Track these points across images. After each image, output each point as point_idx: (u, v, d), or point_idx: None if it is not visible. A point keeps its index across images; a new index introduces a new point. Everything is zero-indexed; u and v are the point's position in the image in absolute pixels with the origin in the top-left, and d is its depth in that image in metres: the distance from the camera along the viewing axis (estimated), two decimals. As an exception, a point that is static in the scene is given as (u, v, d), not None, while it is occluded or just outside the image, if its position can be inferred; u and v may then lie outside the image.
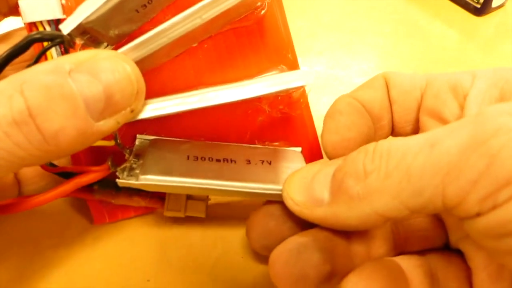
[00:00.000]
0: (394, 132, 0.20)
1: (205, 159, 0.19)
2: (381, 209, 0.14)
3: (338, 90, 0.22)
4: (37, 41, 0.15)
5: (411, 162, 0.13)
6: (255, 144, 0.21)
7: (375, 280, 0.16)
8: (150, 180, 0.17)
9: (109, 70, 0.13)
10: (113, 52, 0.15)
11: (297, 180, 0.17)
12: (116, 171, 0.18)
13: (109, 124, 0.14)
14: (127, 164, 0.18)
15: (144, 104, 0.16)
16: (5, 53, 0.14)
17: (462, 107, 0.17)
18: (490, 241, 0.13)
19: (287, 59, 0.21)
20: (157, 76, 0.19)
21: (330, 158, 0.18)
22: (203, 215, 0.21)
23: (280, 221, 0.18)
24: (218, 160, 0.19)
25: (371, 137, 0.19)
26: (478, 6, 0.35)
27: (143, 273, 0.21)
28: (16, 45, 0.14)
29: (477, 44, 0.34)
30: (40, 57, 0.15)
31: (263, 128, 0.21)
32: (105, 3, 0.15)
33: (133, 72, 0.14)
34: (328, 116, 0.19)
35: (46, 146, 0.13)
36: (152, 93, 0.19)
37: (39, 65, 0.13)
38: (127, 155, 0.19)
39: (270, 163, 0.20)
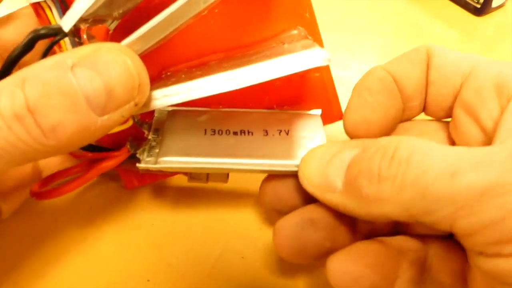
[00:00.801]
0: (426, 112, 0.19)
1: (222, 132, 0.19)
2: (389, 214, 0.14)
3: (338, 90, 0.22)
4: (42, 37, 0.14)
5: (429, 184, 0.13)
6: (273, 108, 0.21)
7: (360, 260, 0.16)
8: (169, 162, 0.18)
9: (110, 64, 0.13)
10: (116, 45, 0.14)
11: (314, 162, 0.17)
12: (136, 153, 0.19)
13: (113, 118, 0.14)
14: (145, 146, 0.19)
15: (152, 95, 0.16)
16: (12, 55, 0.14)
17: (503, 110, 0.15)
18: (486, 276, 0.13)
19: (304, 19, 0.19)
20: (167, 47, 0.19)
21: (350, 137, 0.18)
22: (225, 182, 0.21)
23: (292, 190, 0.18)
24: (235, 133, 0.19)
25: (398, 119, 0.19)
26: (478, 6, 0.35)
27: (143, 273, 0.21)
28: (21, 44, 0.14)
29: (477, 44, 0.34)
30: (47, 52, 0.15)
31: (281, 91, 0.20)
32: None
33: (134, 66, 0.14)
34: (356, 91, 0.18)
35: (46, 140, 0.13)
36: (163, 65, 0.19)
37: (43, 61, 0.13)
38: (146, 132, 0.19)
39: (287, 133, 0.20)
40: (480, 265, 0.13)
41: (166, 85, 0.17)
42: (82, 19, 0.15)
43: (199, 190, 0.24)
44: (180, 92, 0.16)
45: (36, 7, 0.17)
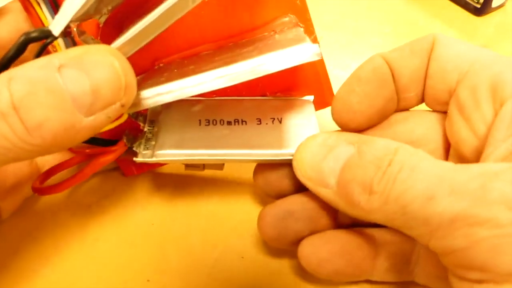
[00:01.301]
0: (425, 103, 0.19)
1: (216, 122, 0.20)
2: (376, 220, 0.15)
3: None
4: (34, 40, 0.14)
5: (408, 204, 0.13)
6: (266, 95, 0.21)
7: (325, 246, 0.18)
8: (165, 155, 0.18)
9: (97, 64, 0.14)
10: (104, 46, 0.15)
11: (309, 154, 0.17)
12: (133, 146, 0.19)
13: (100, 119, 0.14)
14: (142, 139, 0.19)
15: (145, 93, 0.16)
16: (3, 58, 0.14)
17: (497, 113, 0.15)
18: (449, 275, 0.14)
19: (295, 7, 0.19)
20: (159, 38, 0.18)
21: (337, 125, 0.19)
22: (221, 169, 0.21)
23: (281, 176, 0.19)
24: (229, 123, 0.20)
25: (389, 109, 0.19)
26: (478, 6, 0.35)
27: (143, 273, 0.21)
28: (12, 48, 0.14)
29: (477, 44, 0.34)
30: (40, 54, 0.15)
31: (274, 78, 0.20)
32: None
33: (121, 67, 0.14)
34: (347, 80, 0.18)
35: (30, 138, 0.13)
36: (156, 56, 0.19)
37: (31, 62, 0.13)
38: (141, 124, 0.20)
39: (280, 121, 0.20)
40: (451, 282, 0.14)
41: (159, 81, 0.17)
42: (72, 20, 0.15)
43: (199, 190, 0.24)
44: (173, 90, 0.16)
45: (25, 3, 0.17)
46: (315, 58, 0.16)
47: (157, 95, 0.16)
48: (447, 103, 0.18)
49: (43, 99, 0.13)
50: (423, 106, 0.19)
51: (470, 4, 0.36)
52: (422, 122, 0.19)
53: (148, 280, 0.21)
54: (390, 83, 0.18)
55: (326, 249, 0.18)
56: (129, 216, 0.23)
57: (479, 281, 0.13)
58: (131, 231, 0.23)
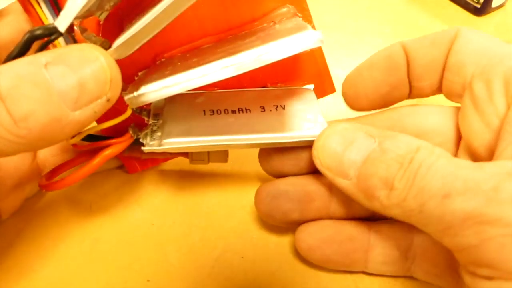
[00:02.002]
0: (443, 93, 0.19)
1: (220, 112, 0.20)
2: (392, 215, 0.16)
3: (338, 90, 0.22)
4: (38, 38, 0.14)
5: (425, 201, 0.14)
6: (267, 86, 0.21)
7: (315, 234, 0.19)
8: (173, 143, 0.18)
9: (82, 60, 0.14)
10: (89, 44, 0.15)
11: (330, 145, 0.17)
12: (139, 138, 0.19)
13: (86, 113, 0.14)
14: (147, 129, 0.19)
15: (152, 86, 0.16)
16: (9, 57, 0.14)
17: (510, 107, 0.15)
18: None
19: None
20: (159, 34, 0.19)
21: (348, 106, 0.20)
22: (225, 162, 0.22)
23: (284, 159, 0.20)
24: (233, 112, 0.20)
25: (395, 97, 0.20)
26: (478, 6, 0.35)
27: (143, 273, 0.21)
28: (17, 46, 0.14)
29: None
30: (42, 50, 0.15)
31: (274, 69, 0.21)
32: None
33: (107, 60, 0.14)
34: (361, 63, 0.20)
35: (17, 129, 0.13)
36: (157, 51, 0.19)
37: (19, 59, 0.14)
38: (146, 118, 0.20)
39: (283, 108, 0.20)
40: (464, 278, 0.14)
41: (163, 74, 0.17)
42: (76, 17, 0.15)
43: (199, 190, 0.24)
44: (180, 82, 0.16)
45: (25, 3, 0.17)
46: (319, 44, 0.16)
47: (164, 87, 0.16)
48: (462, 96, 0.18)
49: (29, 92, 0.13)
50: (435, 98, 0.20)
51: (470, 4, 0.36)
52: (432, 115, 0.19)
53: (148, 280, 0.21)
54: (400, 72, 0.19)
55: (317, 237, 0.19)
56: (129, 216, 0.23)
57: (489, 278, 0.13)
58: (131, 231, 0.23)
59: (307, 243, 0.19)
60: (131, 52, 0.15)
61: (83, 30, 0.17)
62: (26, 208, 0.23)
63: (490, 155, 0.16)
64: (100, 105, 0.14)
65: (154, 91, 0.16)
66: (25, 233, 0.22)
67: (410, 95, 0.20)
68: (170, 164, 0.25)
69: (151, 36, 0.15)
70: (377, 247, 0.19)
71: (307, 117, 0.20)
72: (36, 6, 0.16)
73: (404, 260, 0.19)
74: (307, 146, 0.19)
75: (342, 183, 0.17)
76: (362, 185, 0.16)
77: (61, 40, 0.16)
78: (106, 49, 0.17)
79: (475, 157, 0.17)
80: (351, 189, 0.16)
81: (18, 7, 0.19)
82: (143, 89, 0.16)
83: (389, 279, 0.20)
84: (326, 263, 0.20)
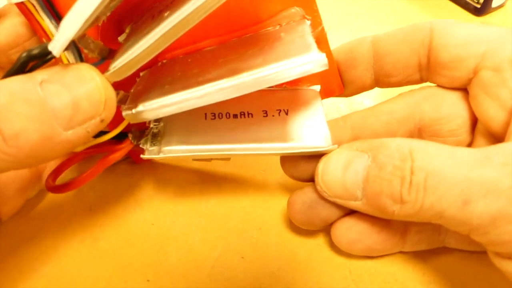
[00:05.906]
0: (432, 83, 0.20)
1: (222, 116, 0.20)
2: (415, 220, 0.16)
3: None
4: (35, 58, 0.14)
5: (444, 209, 0.15)
6: (272, 86, 0.21)
7: (353, 227, 0.19)
8: (172, 151, 0.18)
9: (77, 79, 0.14)
10: (84, 64, 0.15)
11: (330, 175, 0.18)
12: (140, 143, 0.19)
13: (78, 133, 0.14)
14: (148, 135, 0.19)
15: (150, 104, 0.16)
16: (6, 75, 0.14)
17: None
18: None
19: None
20: None
21: None
22: (228, 160, 0.22)
23: (309, 164, 0.20)
24: (235, 116, 0.20)
25: (359, 88, 0.21)
26: (478, 6, 0.35)
27: (143, 273, 0.21)
28: (14, 66, 0.14)
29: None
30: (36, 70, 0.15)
31: None
32: (88, 18, 0.14)
33: (102, 81, 0.14)
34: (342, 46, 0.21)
35: (6, 147, 0.13)
36: (158, 55, 0.19)
37: (16, 76, 0.14)
38: (147, 122, 0.20)
39: (287, 113, 0.20)
40: (495, 262, 0.15)
41: (163, 90, 0.17)
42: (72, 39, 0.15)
43: (199, 190, 0.24)
44: (178, 102, 0.16)
45: (22, 8, 0.16)
46: (322, 69, 0.16)
47: (162, 106, 0.16)
48: (465, 85, 0.19)
49: (21, 110, 0.13)
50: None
51: (470, 4, 0.36)
52: (447, 98, 0.20)
53: (148, 280, 0.21)
54: (360, 65, 0.20)
55: (356, 230, 0.19)
56: (129, 216, 0.23)
57: None
58: (131, 231, 0.23)
59: (346, 238, 0.20)
60: (129, 74, 0.15)
61: (80, 38, 0.16)
62: (27, 208, 0.23)
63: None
64: (93, 125, 0.14)
65: (152, 110, 0.16)
66: (26, 233, 0.22)
67: (379, 86, 0.21)
68: (170, 164, 0.25)
69: (149, 59, 0.15)
70: (412, 228, 0.20)
71: (311, 125, 0.19)
72: (33, 11, 0.16)
73: (437, 235, 0.20)
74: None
75: (355, 205, 0.17)
76: (373, 204, 0.17)
77: (67, 54, 0.16)
78: (105, 56, 0.17)
79: (495, 137, 0.18)
80: (365, 208, 0.17)
81: (14, 9, 0.19)
82: (141, 107, 0.16)
83: (389, 278, 0.20)
84: (368, 253, 0.20)
